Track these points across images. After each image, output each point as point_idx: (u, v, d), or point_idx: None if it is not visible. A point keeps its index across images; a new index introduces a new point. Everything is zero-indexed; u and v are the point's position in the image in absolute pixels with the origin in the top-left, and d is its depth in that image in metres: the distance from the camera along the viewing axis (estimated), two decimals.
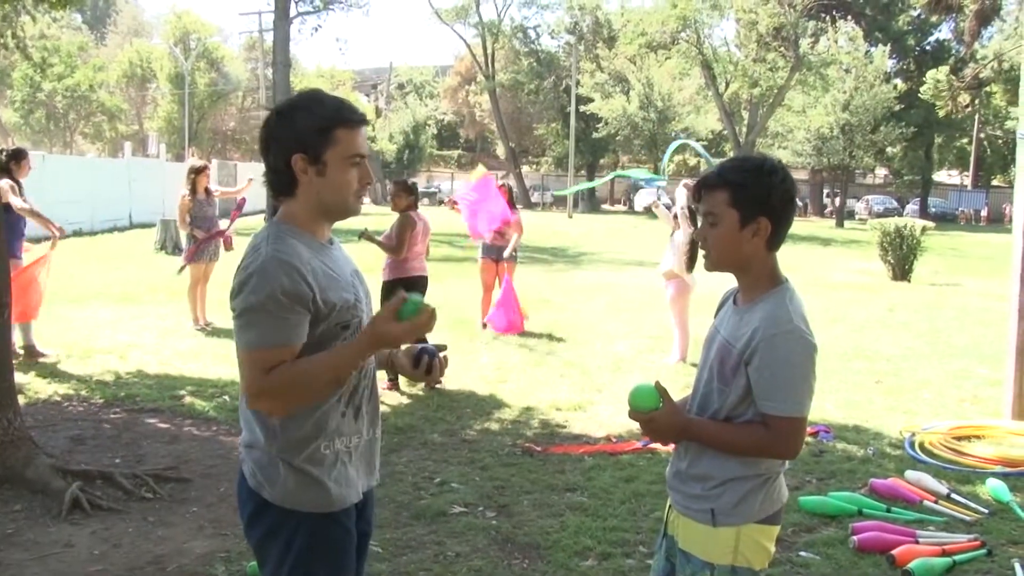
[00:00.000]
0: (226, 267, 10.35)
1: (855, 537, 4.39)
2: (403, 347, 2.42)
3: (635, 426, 5.94)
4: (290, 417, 2.22)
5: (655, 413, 2.30)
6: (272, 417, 2.22)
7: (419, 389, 7.31)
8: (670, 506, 2.49)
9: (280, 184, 2.26)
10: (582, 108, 45.51)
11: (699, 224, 2.41)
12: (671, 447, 2.52)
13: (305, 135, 2.20)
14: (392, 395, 7.08)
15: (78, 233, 22.45)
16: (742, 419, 2.29)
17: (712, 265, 2.40)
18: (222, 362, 8.16)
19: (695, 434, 2.35)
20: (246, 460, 2.31)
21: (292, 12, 32.64)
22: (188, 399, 6.91)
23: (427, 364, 2.39)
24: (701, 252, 2.42)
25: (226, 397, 6.96)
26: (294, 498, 2.24)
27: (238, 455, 2.36)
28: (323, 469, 2.25)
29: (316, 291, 2.16)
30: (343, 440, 2.29)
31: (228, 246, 9.74)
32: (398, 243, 7.40)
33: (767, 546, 2.36)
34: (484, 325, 10.14)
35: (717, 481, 2.31)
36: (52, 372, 7.60)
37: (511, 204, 10.22)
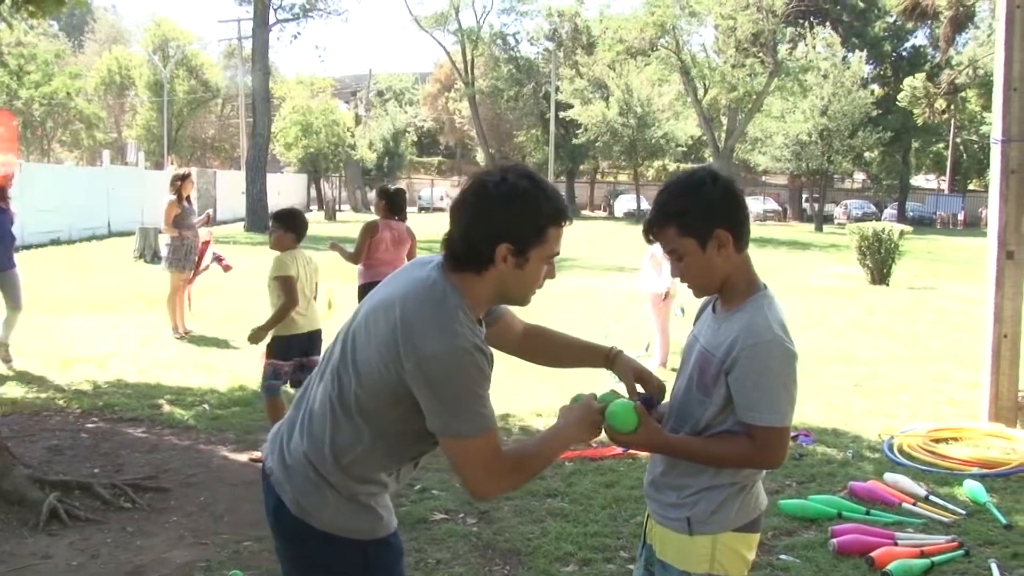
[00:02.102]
0: (210, 276, 10.32)
1: (835, 540, 4.42)
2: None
3: None
4: (363, 462, 2.18)
5: (634, 436, 2.25)
6: (351, 454, 2.16)
7: None
8: (648, 515, 2.48)
9: (470, 260, 2.12)
10: (562, 114, 45.60)
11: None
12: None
13: (523, 229, 2.10)
14: None
15: (56, 242, 22.29)
16: (720, 428, 2.26)
17: (700, 292, 2.39)
18: (202, 371, 8.13)
19: (675, 452, 2.32)
20: (283, 483, 2.22)
21: (271, 19, 32.61)
22: (167, 408, 6.87)
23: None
24: (684, 285, 2.39)
25: (206, 406, 6.92)
26: (347, 525, 2.21)
27: (271, 480, 2.26)
28: (371, 497, 2.24)
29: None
30: (382, 488, 2.28)
31: (226, 268, 9.88)
32: (355, 250, 7.44)
33: (745, 555, 2.33)
34: None
35: (693, 489, 2.29)
36: (29, 382, 7.54)
37: None
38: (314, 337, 5.79)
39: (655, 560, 2.41)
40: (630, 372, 2.47)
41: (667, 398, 2.47)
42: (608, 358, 2.56)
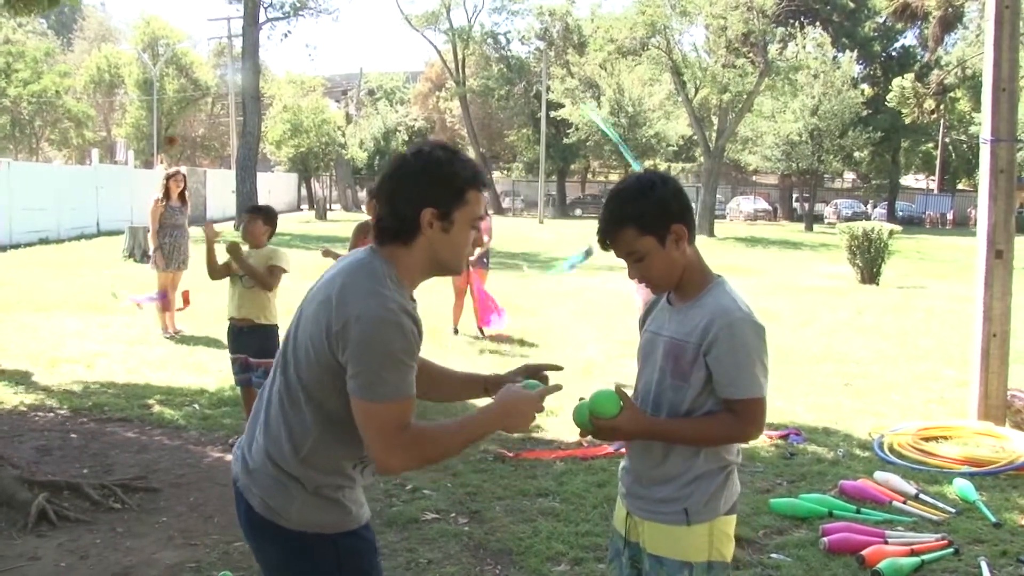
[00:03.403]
0: (195, 275, 10.29)
1: (825, 538, 4.43)
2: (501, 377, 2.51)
3: None
4: (321, 451, 2.20)
5: (618, 420, 2.33)
6: (306, 445, 2.18)
7: None
8: (628, 514, 2.50)
9: (399, 231, 2.21)
10: (553, 114, 45.58)
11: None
12: None
13: (443, 192, 2.19)
14: None
15: (44, 241, 22.19)
16: (702, 411, 2.35)
17: (661, 290, 2.50)
18: (191, 371, 8.10)
19: (660, 433, 2.38)
20: (249, 488, 2.26)
21: (261, 18, 32.51)
22: (157, 408, 6.84)
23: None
24: (642, 285, 2.48)
25: (195, 406, 6.90)
26: (315, 520, 2.23)
27: (239, 486, 2.30)
28: (338, 490, 2.25)
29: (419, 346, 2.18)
30: (349, 482, 2.28)
31: (186, 302, 9.76)
32: (349, 251, 7.44)
33: (732, 536, 2.44)
34: (456, 331, 10.14)
35: (686, 479, 2.36)
36: (18, 382, 7.50)
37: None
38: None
39: (643, 556, 2.43)
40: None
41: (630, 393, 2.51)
42: (487, 388, 2.57)
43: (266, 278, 5.81)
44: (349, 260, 2.27)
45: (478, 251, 9.97)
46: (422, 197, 2.18)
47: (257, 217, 5.98)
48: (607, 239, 2.41)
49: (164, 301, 9.72)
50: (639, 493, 2.45)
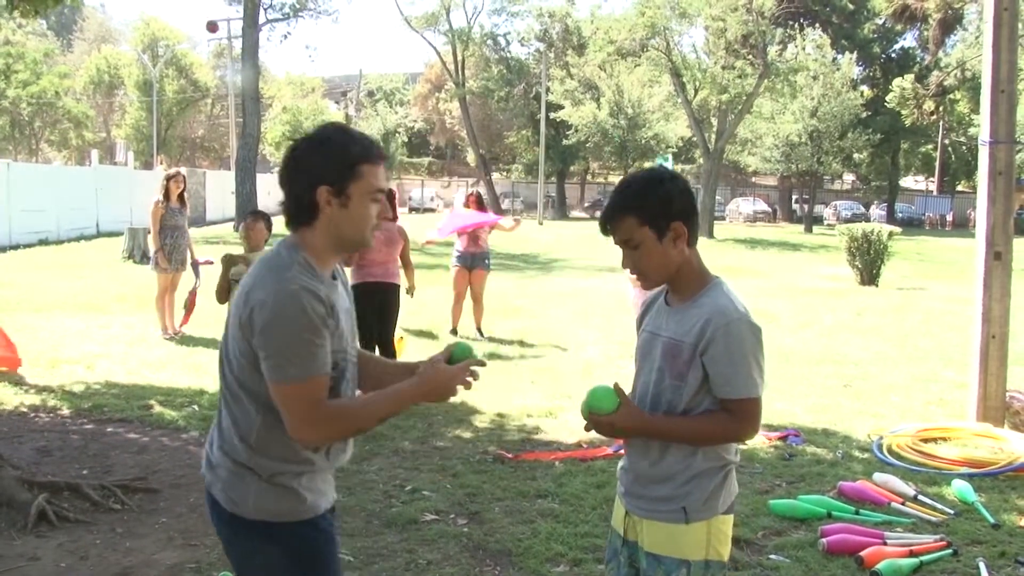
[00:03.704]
0: (194, 276, 10.29)
1: (824, 539, 4.43)
2: (431, 359, 2.50)
3: None
4: (268, 438, 2.24)
5: (615, 416, 2.38)
6: (252, 434, 2.24)
7: None
8: (626, 513, 2.52)
9: (300, 213, 2.27)
10: (552, 115, 45.61)
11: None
12: None
13: (333, 168, 2.24)
14: None
15: (44, 242, 22.20)
16: (699, 410, 2.37)
17: (652, 284, 2.50)
18: (191, 371, 8.10)
19: (657, 430, 2.41)
20: (214, 483, 2.31)
21: (261, 19, 32.50)
22: (157, 409, 6.85)
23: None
24: (633, 276, 2.51)
25: (195, 407, 6.90)
26: (269, 509, 2.26)
27: (206, 484, 2.36)
28: (293, 478, 2.28)
29: (330, 322, 2.22)
30: (307, 467, 2.30)
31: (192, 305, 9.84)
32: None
33: (729, 535, 2.46)
34: (454, 332, 10.16)
35: (685, 478, 2.38)
36: (18, 383, 7.50)
37: (482, 211, 10.33)
38: None
39: (641, 555, 2.45)
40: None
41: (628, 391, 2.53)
42: (415, 373, 2.57)
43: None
44: (263, 254, 2.34)
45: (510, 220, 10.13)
46: (315, 176, 2.23)
47: (259, 220, 6.04)
48: (608, 223, 2.44)
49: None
50: (638, 492, 2.47)
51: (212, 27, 34.03)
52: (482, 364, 2.38)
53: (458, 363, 2.35)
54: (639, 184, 2.43)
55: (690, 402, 2.37)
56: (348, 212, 2.25)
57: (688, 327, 2.37)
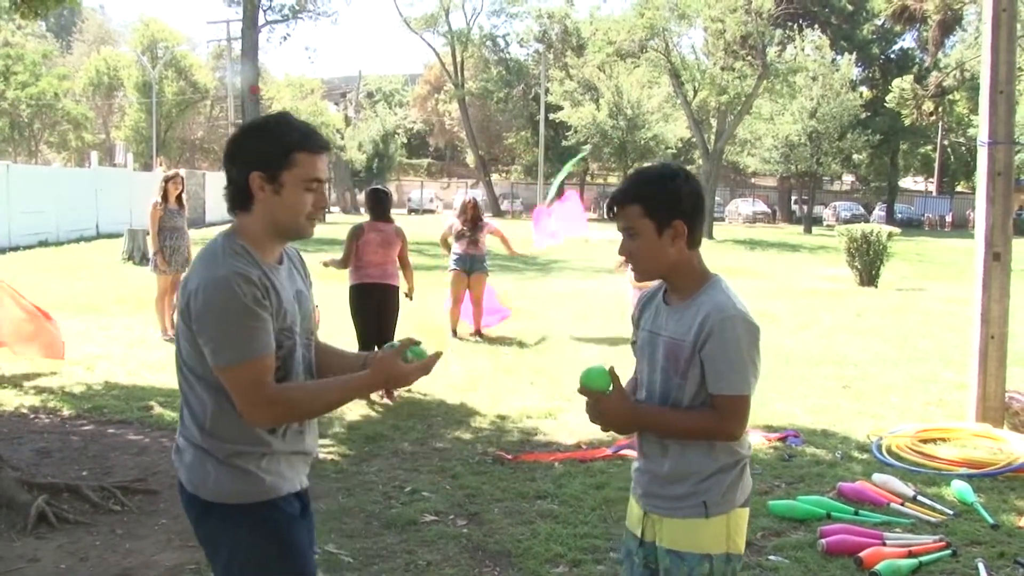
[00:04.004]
0: None
1: (823, 540, 4.44)
2: (383, 352, 2.50)
3: (605, 434, 5.92)
4: (221, 421, 2.29)
5: (604, 396, 2.42)
6: (207, 417, 2.29)
7: (389, 399, 7.29)
8: (644, 513, 2.52)
9: (237, 198, 2.32)
10: (551, 116, 45.65)
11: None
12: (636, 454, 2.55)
13: (267, 154, 2.27)
14: (360, 405, 7.05)
15: (44, 243, 22.20)
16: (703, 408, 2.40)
17: (642, 275, 2.52)
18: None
19: (643, 419, 2.46)
20: (180, 467, 2.38)
21: (260, 21, 32.54)
22: (157, 410, 6.85)
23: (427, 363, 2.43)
24: (629, 265, 2.53)
25: None
26: (229, 491, 2.30)
27: (176, 470, 2.42)
28: (250, 460, 2.31)
29: (268, 304, 2.25)
30: (265, 447, 2.33)
31: None
32: (343, 255, 7.53)
33: (745, 528, 2.49)
34: (454, 334, 10.16)
35: (704, 474, 2.41)
36: (18, 384, 7.50)
37: (478, 219, 10.29)
38: None
39: (661, 555, 2.47)
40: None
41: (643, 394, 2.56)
42: (366, 364, 2.58)
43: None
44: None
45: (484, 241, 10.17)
46: (249, 162, 2.27)
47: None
48: (615, 207, 2.47)
49: None
50: (655, 492, 2.48)
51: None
52: (438, 356, 2.40)
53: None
54: (652, 175, 2.46)
55: (693, 400, 2.40)
56: (281, 199, 2.28)
57: (687, 326, 2.39)
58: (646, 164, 2.56)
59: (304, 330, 2.42)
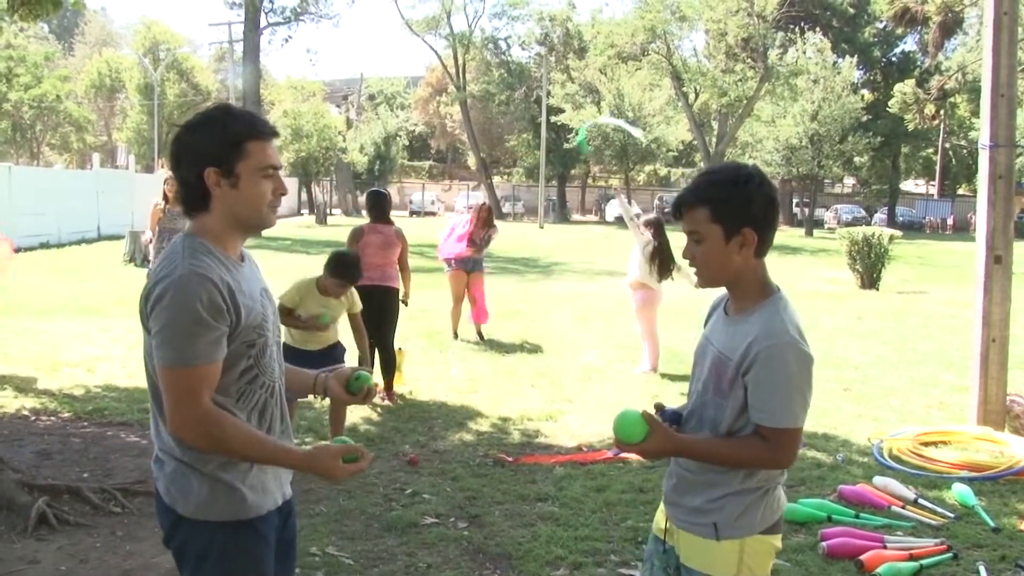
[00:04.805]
0: None
1: (824, 543, 4.43)
2: (334, 374, 2.51)
3: (606, 436, 5.91)
4: None
5: (644, 445, 2.25)
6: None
7: (390, 400, 7.29)
8: (667, 518, 2.45)
9: (193, 199, 2.24)
10: (553, 119, 45.64)
11: (685, 243, 2.37)
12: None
13: (217, 148, 2.19)
14: (361, 407, 7.04)
15: (45, 245, 22.20)
16: (743, 433, 2.25)
17: (705, 282, 2.36)
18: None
19: (688, 452, 2.31)
20: (158, 476, 2.29)
21: (262, 23, 32.57)
22: None
23: (364, 393, 2.49)
24: (692, 270, 2.38)
25: None
26: (207, 508, 2.22)
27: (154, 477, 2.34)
28: (237, 474, 2.23)
29: (230, 307, 2.16)
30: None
31: None
32: None
33: (771, 555, 2.34)
34: (455, 335, 10.16)
35: (719, 493, 2.28)
36: (18, 386, 7.50)
37: (490, 223, 10.30)
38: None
39: (679, 565, 2.38)
40: (339, 390, 2.53)
41: (644, 402, 2.47)
42: (315, 384, 2.57)
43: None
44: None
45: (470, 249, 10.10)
46: (200, 159, 2.20)
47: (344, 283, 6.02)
48: (681, 208, 2.32)
49: None
50: (674, 500, 2.40)
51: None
52: (361, 459, 2.29)
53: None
54: (723, 177, 2.28)
55: (733, 423, 2.26)
56: (239, 192, 2.21)
57: (736, 343, 2.25)
58: (718, 164, 2.37)
59: (275, 327, 2.37)
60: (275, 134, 2.30)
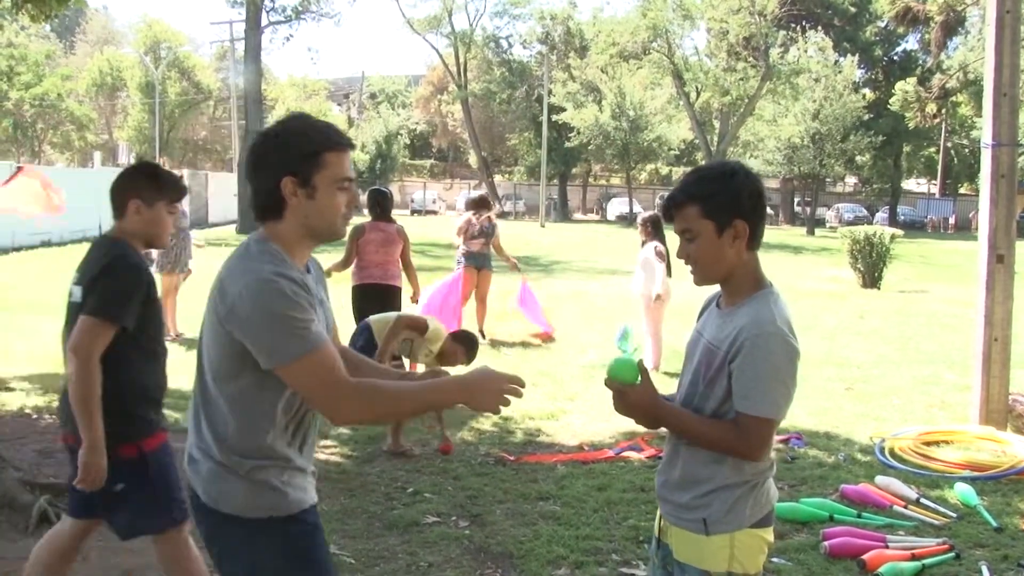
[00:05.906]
0: (198, 278, 10.30)
1: (826, 543, 4.43)
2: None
3: (607, 435, 5.91)
4: (244, 436, 2.22)
5: (631, 387, 2.31)
6: (229, 433, 2.22)
7: None
8: (661, 515, 2.48)
9: (267, 207, 2.24)
10: (554, 117, 45.60)
11: (679, 243, 2.40)
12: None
13: (296, 158, 2.19)
14: None
15: (47, 244, 22.22)
16: (727, 418, 2.29)
17: (701, 279, 2.39)
18: (192, 373, 8.09)
19: (664, 417, 2.35)
20: (194, 477, 2.29)
21: (263, 22, 32.57)
22: None
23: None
24: (688, 268, 2.40)
25: None
26: (255, 506, 2.24)
27: (190, 477, 2.34)
28: (272, 475, 2.25)
29: (309, 304, 2.18)
30: (288, 463, 2.29)
31: None
32: (344, 255, 7.54)
33: (762, 548, 2.36)
34: (482, 335, 10.16)
35: (707, 488, 2.30)
36: (19, 384, 7.50)
37: (479, 206, 10.37)
38: None
39: (672, 561, 2.41)
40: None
41: (674, 390, 2.50)
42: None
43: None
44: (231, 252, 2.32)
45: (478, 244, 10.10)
46: (278, 168, 2.19)
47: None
48: (671, 209, 2.36)
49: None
50: (666, 496, 2.42)
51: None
52: (522, 384, 2.27)
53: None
54: (710, 173, 2.35)
55: (717, 410, 2.30)
56: (315, 203, 2.21)
57: (726, 333, 2.29)
58: (704, 163, 2.39)
59: (330, 339, 2.35)
60: (351, 146, 2.30)
